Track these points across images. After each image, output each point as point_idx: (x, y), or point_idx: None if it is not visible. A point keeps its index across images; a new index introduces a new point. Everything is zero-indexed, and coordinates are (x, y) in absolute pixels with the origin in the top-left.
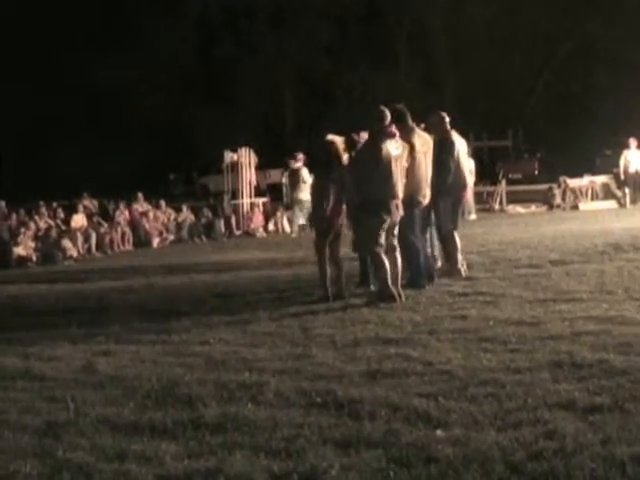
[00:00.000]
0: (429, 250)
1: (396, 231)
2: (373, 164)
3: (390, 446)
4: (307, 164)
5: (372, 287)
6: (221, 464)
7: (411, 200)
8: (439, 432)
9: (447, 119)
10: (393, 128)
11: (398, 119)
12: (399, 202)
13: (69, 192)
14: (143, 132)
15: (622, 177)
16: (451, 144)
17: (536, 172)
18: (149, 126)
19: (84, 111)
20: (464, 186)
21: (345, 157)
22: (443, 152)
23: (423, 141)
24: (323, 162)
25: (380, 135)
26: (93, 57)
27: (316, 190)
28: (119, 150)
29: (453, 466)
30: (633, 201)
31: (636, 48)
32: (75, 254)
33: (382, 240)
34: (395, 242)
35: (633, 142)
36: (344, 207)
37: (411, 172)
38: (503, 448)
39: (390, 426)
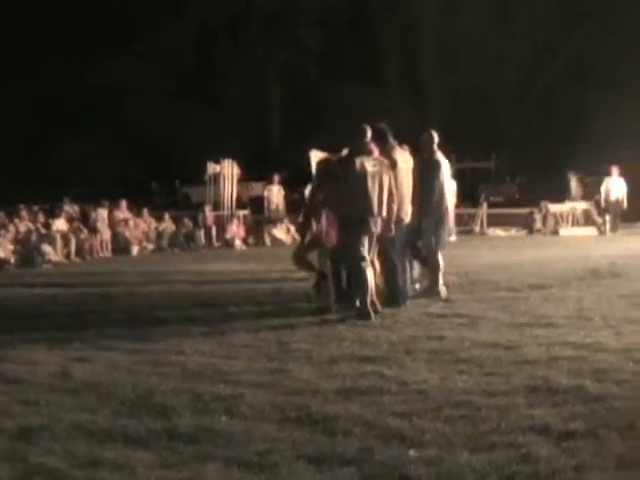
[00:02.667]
0: (409, 270)
1: (376, 248)
2: (348, 180)
3: (363, 464)
4: (285, 181)
5: (357, 303)
6: (194, 475)
7: (392, 218)
8: (412, 452)
9: (436, 139)
10: (372, 145)
11: (379, 137)
12: (378, 219)
13: (51, 196)
14: (128, 140)
15: (603, 204)
16: (437, 164)
17: (517, 196)
18: (134, 134)
19: (68, 117)
20: (446, 207)
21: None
22: (429, 172)
23: (404, 159)
24: (319, 178)
25: (357, 151)
26: (80, 61)
27: (309, 205)
28: (103, 156)
29: None
30: (613, 229)
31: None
32: (54, 258)
33: (365, 255)
34: (374, 259)
35: (615, 170)
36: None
37: (394, 190)
38: (476, 470)
39: (364, 444)
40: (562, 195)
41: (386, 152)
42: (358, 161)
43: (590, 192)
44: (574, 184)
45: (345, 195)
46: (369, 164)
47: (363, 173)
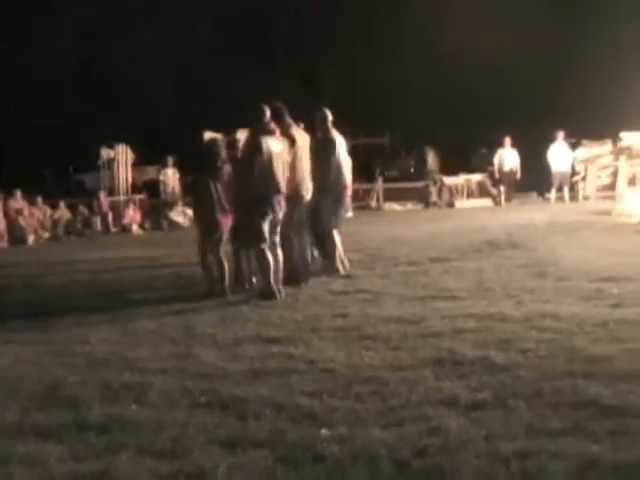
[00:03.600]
0: (308, 247)
1: (278, 228)
2: (254, 161)
3: (276, 445)
4: (179, 164)
5: (253, 284)
6: (107, 466)
7: (294, 195)
8: (324, 431)
9: (330, 117)
10: (272, 125)
11: (276, 116)
12: (282, 198)
13: None
14: (20, 127)
15: (497, 175)
16: (332, 142)
17: (412, 170)
18: (26, 121)
19: None
20: (345, 185)
21: (224, 154)
22: (325, 150)
23: (301, 136)
24: (204, 161)
25: (260, 132)
26: None
27: (198, 189)
28: None
29: (340, 464)
30: (508, 199)
31: (505, 54)
32: None
33: (267, 236)
34: (277, 239)
35: (507, 141)
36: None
37: (293, 167)
38: (388, 445)
39: (276, 425)
40: (456, 168)
41: (284, 130)
42: (264, 142)
43: (483, 163)
44: (431, 157)
45: (251, 177)
46: (273, 144)
47: (269, 154)
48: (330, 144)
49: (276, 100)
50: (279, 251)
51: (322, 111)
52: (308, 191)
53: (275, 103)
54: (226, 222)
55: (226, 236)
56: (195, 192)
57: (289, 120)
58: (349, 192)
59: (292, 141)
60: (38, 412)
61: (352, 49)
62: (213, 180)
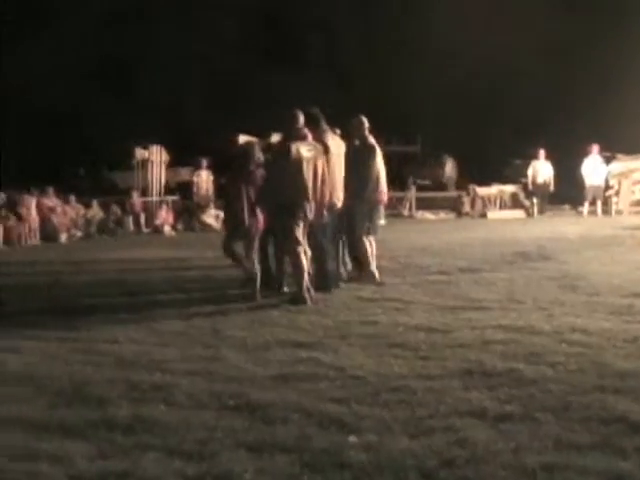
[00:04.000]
0: (340, 254)
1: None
2: (284, 166)
3: (303, 451)
4: (213, 166)
5: (285, 289)
6: (133, 466)
7: (326, 202)
8: (352, 438)
9: (367, 124)
10: (306, 130)
11: (311, 122)
12: (313, 204)
13: None
14: (52, 125)
15: (530, 187)
16: (373, 150)
17: (444, 180)
18: (59, 120)
19: None
20: (382, 192)
21: (261, 158)
22: (365, 157)
23: (337, 144)
24: (237, 163)
25: (291, 137)
26: None
27: (230, 192)
28: (28, 142)
29: (366, 472)
30: (540, 211)
31: (544, 60)
32: None
33: (301, 240)
34: (306, 244)
35: (542, 153)
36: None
37: (327, 175)
38: (415, 455)
39: (303, 431)
40: (489, 178)
41: (318, 137)
42: (294, 147)
43: (517, 174)
44: (449, 166)
45: (281, 181)
46: (304, 149)
47: (299, 159)
48: (371, 150)
49: (311, 105)
50: (309, 257)
51: (358, 118)
52: (339, 200)
53: (311, 109)
54: (257, 226)
55: (256, 240)
56: (226, 195)
57: (325, 126)
58: (385, 200)
59: (326, 148)
60: (65, 409)
61: (384, 53)
62: (245, 183)
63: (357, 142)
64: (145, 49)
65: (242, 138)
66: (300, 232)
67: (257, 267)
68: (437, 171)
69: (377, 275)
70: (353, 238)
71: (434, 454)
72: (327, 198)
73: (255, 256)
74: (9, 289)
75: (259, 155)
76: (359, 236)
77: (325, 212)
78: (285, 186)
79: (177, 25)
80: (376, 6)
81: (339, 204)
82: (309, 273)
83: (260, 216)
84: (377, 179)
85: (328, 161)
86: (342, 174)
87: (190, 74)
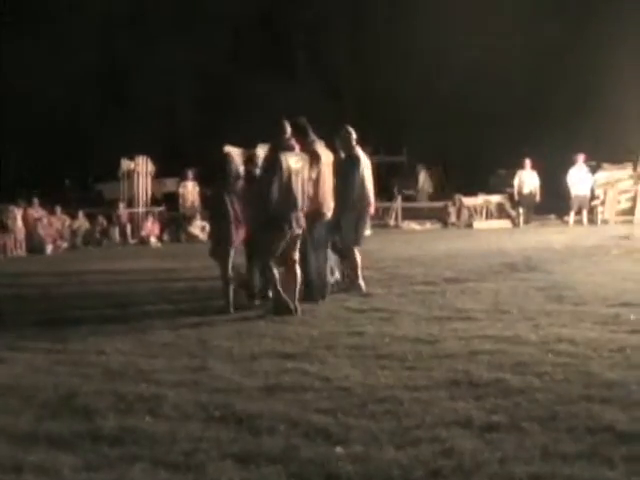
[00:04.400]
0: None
1: (297, 245)
2: (273, 178)
3: (290, 462)
4: (199, 177)
5: (267, 298)
6: (120, 477)
7: (315, 212)
8: (339, 449)
9: (354, 135)
10: (293, 141)
11: (299, 132)
12: (300, 215)
13: None
14: (38, 135)
15: (516, 197)
16: (357, 160)
17: (431, 190)
18: (45, 130)
19: None
20: (368, 202)
21: (242, 170)
22: (349, 167)
23: (326, 154)
24: (221, 174)
25: (280, 148)
26: None
27: (213, 202)
28: (14, 152)
29: None
30: (526, 221)
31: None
32: None
33: (277, 252)
34: (296, 256)
35: (528, 162)
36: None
37: (316, 185)
38: (402, 466)
39: (289, 442)
40: (475, 188)
41: (307, 147)
42: (283, 158)
43: (502, 184)
44: (422, 177)
45: (270, 194)
46: (292, 161)
47: (288, 171)
48: (354, 161)
49: (299, 114)
50: (297, 268)
51: (345, 129)
52: (329, 209)
53: (299, 119)
54: (240, 236)
55: (238, 250)
56: (210, 205)
57: (313, 136)
58: (372, 210)
59: (316, 158)
60: (52, 421)
61: (372, 63)
62: (228, 194)
63: (343, 153)
64: (136, 57)
65: (227, 149)
66: (282, 245)
67: (231, 278)
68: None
69: (363, 286)
70: (341, 247)
71: (421, 464)
72: (315, 209)
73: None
74: None
75: (237, 167)
76: (348, 246)
77: (311, 222)
78: (274, 198)
79: (168, 33)
80: (364, 16)
81: (329, 214)
82: (296, 284)
83: (243, 227)
84: (362, 188)
85: (319, 170)
86: (331, 184)
87: (180, 82)
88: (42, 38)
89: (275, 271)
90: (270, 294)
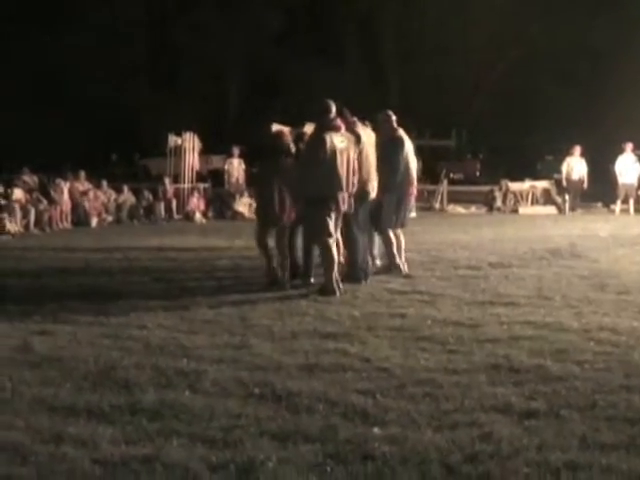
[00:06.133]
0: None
1: (339, 224)
2: (318, 157)
3: (327, 441)
4: (245, 154)
5: (312, 280)
6: (158, 451)
7: (360, 192)
8: (376, 430)
9: (394, 117)
10: (338, 121)
11: (343, 113)
12: (345, 195)
13: (10, 166)
14: (87, 111)
15: (564, 184)
16: (400, 142)
17: (478, 174)
18: (93, 105)
19: (28, 86)
20: (411, 184)
21: (292, 148)
22: (392, 150)
23: (367, 134)
24: (269, 152)
25: (325, 128)
26: (37, 32)
27: (260, 180)
28: (62, 127)
29: (389, 465)
30: (572, 208)
31: (578, 58)
32: (13, 230)
33: (332, 231)
34: (338, 236)
35: (577, 149)
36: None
37: (359, 164)
38: (439, 449)
39: (328, 421)
40: (523, 174)
41: (350, 127)
42: (328, 137)
43: (549, 170)
44: None
45: (315, 172)
46: (337, 140)
47: (333, 150)
48: (397, 142)
49: (346, 98)
50: (335, 248)
51: (385, 112)
52: (374, 189)
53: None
54: (288, 215)
55: (287, 230)
56: (257, 184)
57: (352, 118)
58: (414, 192)
59: (358, 138)
60: (92, 393)
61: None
62: (275, 173)
63: (385, 136)
64: (189, 38)
65: (274, 127)
66: (332, 224)
67: (287, 255)
68: (472, 165)
69: (404, 267)
70: (379, 228)
71: (458, 448)
72: (355, 189)
73: (285, 245)
74: (41, 273)
75: (290, 145)
76: (384, 229)
77: (357, 203)
78: (319, 177)
79: (217, 10)
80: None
81: (373, 194)
82: (340, 264)
83: (290, 206)
84: (405, 171)
85: (361, 151)
86: (375, 164)
87: (229, 65)
88: (97, 26)
89: (334, 251)
90: (312, 275)
